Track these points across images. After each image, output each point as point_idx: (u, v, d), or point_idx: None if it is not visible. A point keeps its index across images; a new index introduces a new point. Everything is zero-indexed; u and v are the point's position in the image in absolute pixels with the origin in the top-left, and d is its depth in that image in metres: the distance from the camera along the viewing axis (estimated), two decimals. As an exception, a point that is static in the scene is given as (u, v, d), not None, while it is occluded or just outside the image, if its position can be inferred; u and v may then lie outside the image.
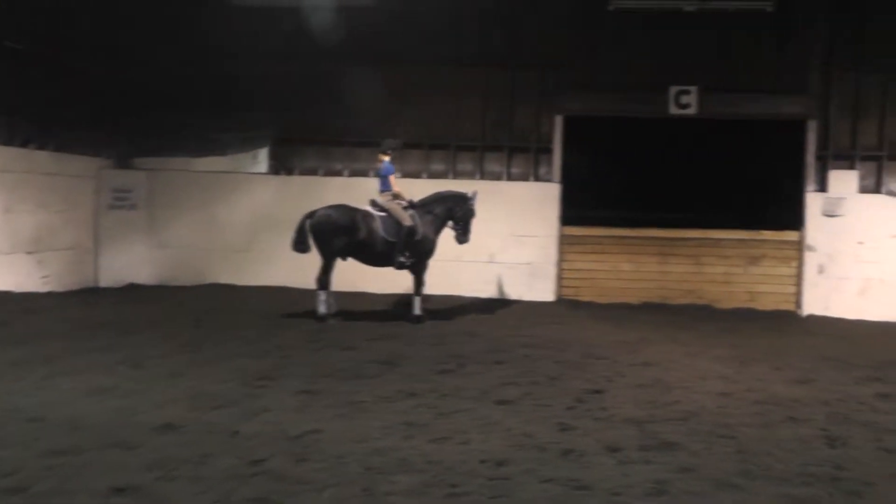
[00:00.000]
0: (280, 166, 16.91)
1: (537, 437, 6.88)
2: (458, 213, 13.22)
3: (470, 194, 13.31)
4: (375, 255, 12.88)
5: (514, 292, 15.87)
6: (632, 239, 16.03)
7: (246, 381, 8.61)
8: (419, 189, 13.78)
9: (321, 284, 12.69)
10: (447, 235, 13.37)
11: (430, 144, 16.51)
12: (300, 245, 12.77)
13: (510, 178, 16.40)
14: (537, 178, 16.31)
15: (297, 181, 16.63)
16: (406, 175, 15.30)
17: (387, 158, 12.99)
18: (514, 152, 16.45)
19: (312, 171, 16.82)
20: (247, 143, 17.08)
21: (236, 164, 17.09)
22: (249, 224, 16.39)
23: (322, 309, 12.67)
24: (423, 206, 13.12)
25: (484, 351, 10.80)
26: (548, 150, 16.22)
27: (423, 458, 6.21)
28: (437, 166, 16.59)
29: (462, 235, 13.31)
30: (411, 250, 12.81)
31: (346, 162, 16.72)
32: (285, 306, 13.78)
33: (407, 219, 12.74)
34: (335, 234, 12.59)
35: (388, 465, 6.04)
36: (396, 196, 12.91)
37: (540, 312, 14.55)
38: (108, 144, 16.74)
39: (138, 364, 9.26)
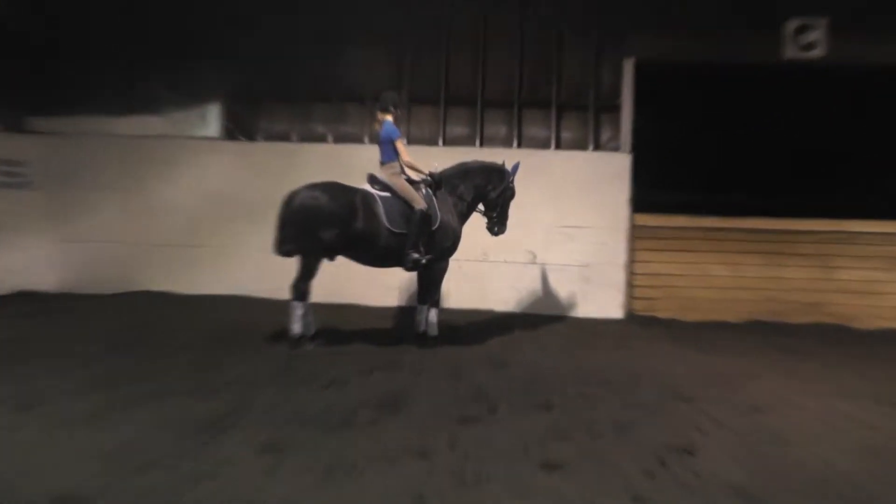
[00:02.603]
0: (238, 129, 16.77)
1: (604, 516, 6.64)
2: (491, 192, 13.01)
3: (509, 168, 13.09)
4: (377, 252, 12.48)
5: (564, 305, 15.77)
6: (730, 232, 15.89)
7: (187, 431, 8.34)
8: (434, 160, 13.51)
9: (298, 293, 12.33)
10: (472, 224, 13.17)
11: (448, 100, 16.29)
12: (287, 245, 12.27)
13: (560, 145, 16.17)
14: (598, 147, 16.12)
15: (262, 149, 16.60)
16: (415, 142, 15.10)
17: (388, 118, 12.63)
18: (564, 111, 16.22)
19: (283, 136, 16.77)
20: (191, 99, 16.90)
21: (176, 127, 16.89)
22: (194, 208, 16.33)
23: (297, 328, 12.36)
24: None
25: (522, 388, 10.55)
26: (612, 109, 15.98)
27: (442, 551, 5.97)
28: (458, 129, 16.39)
29: (497, 224, 13.16)
30: (426, 244, 12.52)
31: (332, 124, 16.57)
32: (244, 324, 13.69)
33: (419, 200, 12.41)
34: (324, 225, 12.16)
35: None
36: (410, 168, 12.56)
37: (601, 333, 14.39)
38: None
39: (28, 406, 8.98)
